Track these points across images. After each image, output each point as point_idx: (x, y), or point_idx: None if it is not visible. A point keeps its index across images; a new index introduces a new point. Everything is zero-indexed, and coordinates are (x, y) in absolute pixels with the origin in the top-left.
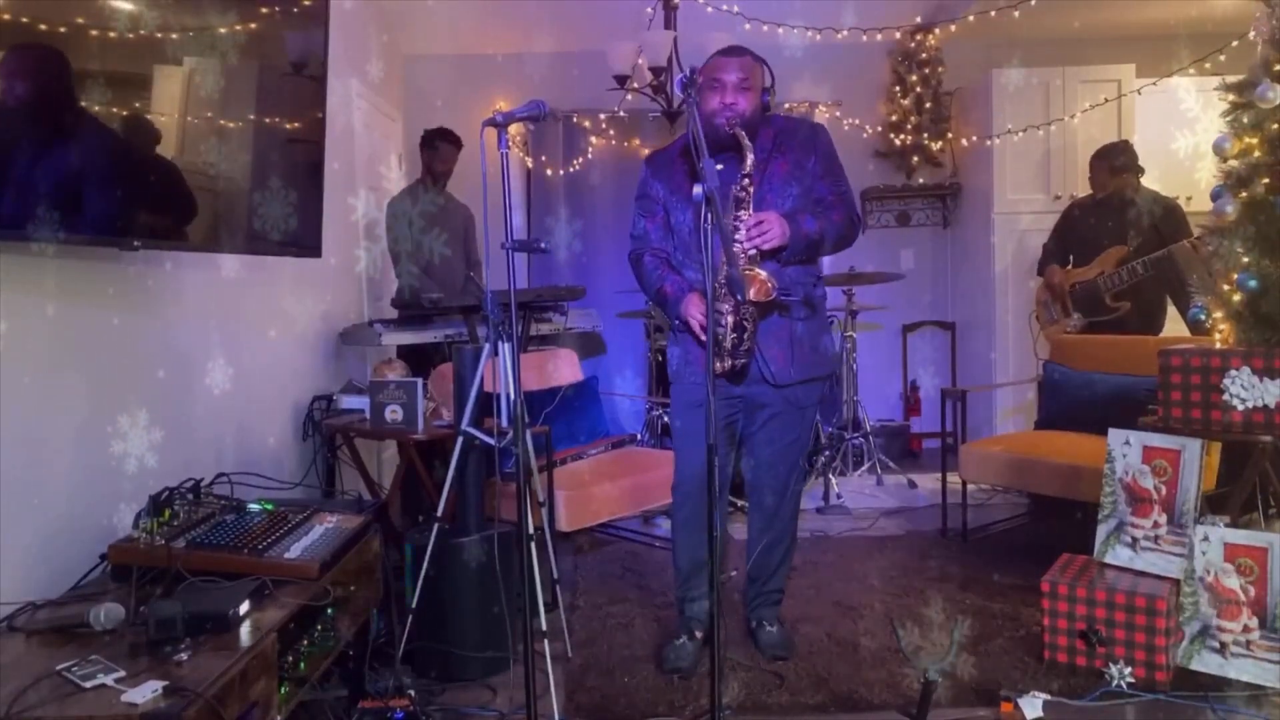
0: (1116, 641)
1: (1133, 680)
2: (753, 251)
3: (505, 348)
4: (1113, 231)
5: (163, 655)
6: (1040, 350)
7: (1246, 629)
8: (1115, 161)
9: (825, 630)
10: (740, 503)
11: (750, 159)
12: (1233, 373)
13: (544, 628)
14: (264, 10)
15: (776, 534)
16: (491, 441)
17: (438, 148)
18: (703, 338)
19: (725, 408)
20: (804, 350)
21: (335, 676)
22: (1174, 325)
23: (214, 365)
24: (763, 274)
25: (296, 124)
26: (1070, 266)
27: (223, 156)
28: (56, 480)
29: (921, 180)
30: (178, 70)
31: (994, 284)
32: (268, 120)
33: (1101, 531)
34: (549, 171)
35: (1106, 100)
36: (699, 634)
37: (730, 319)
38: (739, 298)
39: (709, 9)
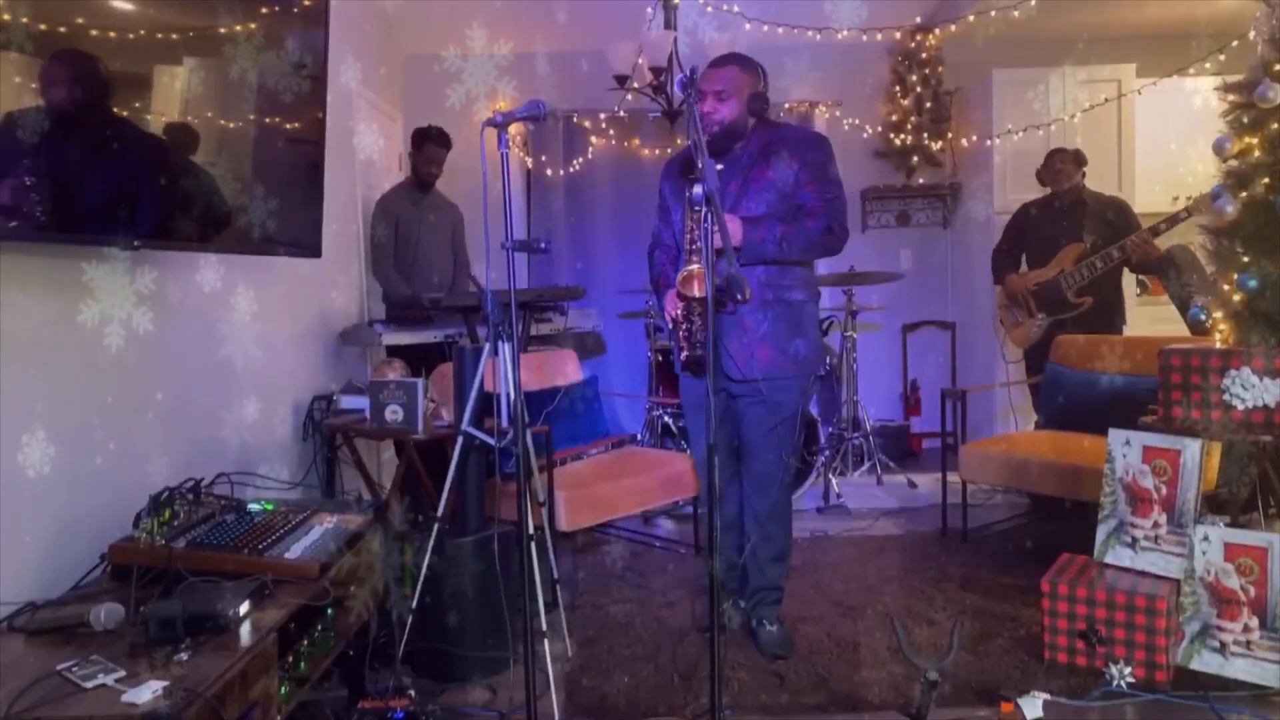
0: (1116, 641)
1: (1133, 680)
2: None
3: (505, 348)
4: (1068, 230)
5: (163, 655)
6: (1010, 354)
7: (1246, 629)
8: (1080, 159)
9: (825, 630)
10: None
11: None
12: (1233, 373)
13: (544, 628)
14: (264, 10)
15: (764, 531)
16: (491, 441)
17: (424, 148)
18: (669, 328)
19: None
20: (769, 349)
21: (335, 676)
22: (1138, 314)
23: (214, 365)
24: (695, 268)
25: (296, 124)
26: (1025, 269)
27: (222, 156)
28: (57, 480)
29: (921, 180)
30: (178, 70)
31: (994, 284)
32: (268, 120)
33: (1101, 531)
34: (549, 171)
35: (1106, 100)
36: (743, 603)
37: (680, 309)
38: (738, 297)
39: (709, 9)
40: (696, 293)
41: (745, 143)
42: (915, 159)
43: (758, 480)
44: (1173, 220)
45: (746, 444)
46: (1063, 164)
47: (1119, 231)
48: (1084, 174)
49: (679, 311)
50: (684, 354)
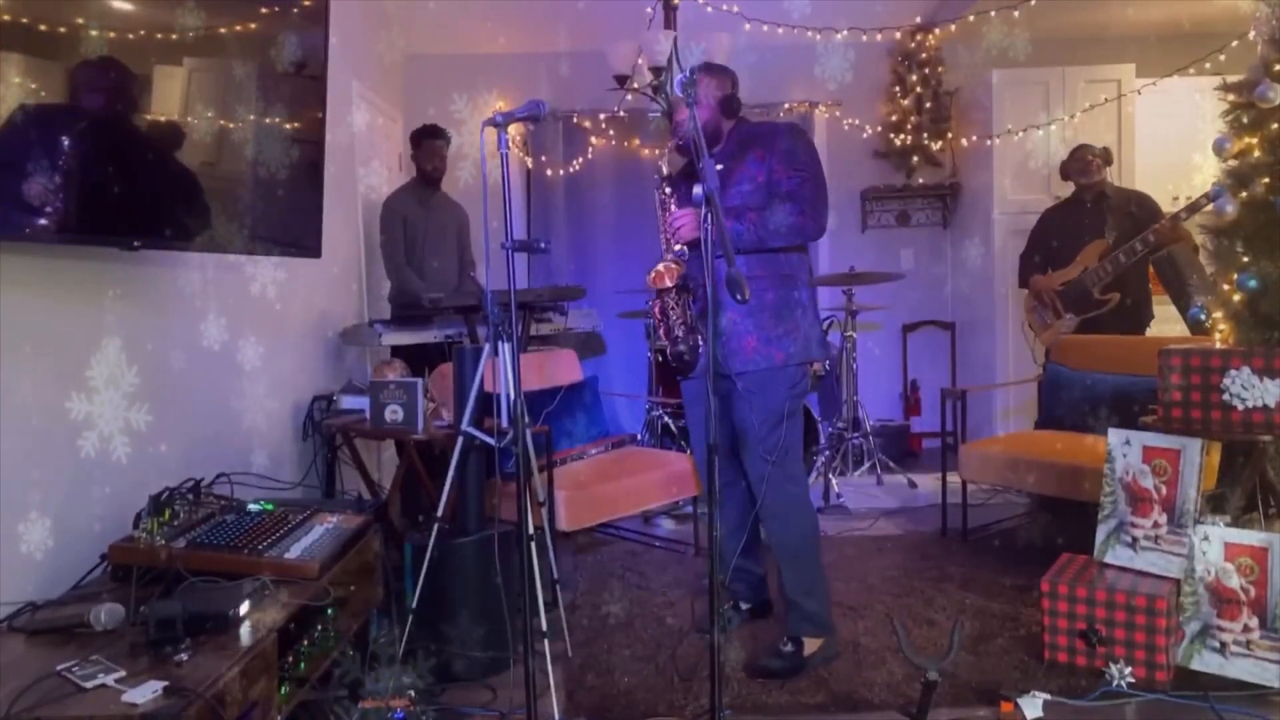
0: (1116, 641)
1: (1133, 680)
2: (679, 246)
3: (505, 348)
4: (1090, 228)
5: (163, 655)
6: (1039, 356)
7: (1246, 629)
8: (1106, 155)
9: None
10: None
11: (664, 167)
12: (1233, 373)
13: (544, 628)
14: (264, 10)
15: (767, 533)
16: (491, 441)
17: (424, 144)
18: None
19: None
20: (750, 342)
21: (335, 676)
22: (1162, 313)
23: (214, 365)
24: (661, 267)
25: (296, 124)
26: (1050, 271)
27: (222, 156)
28: (56, 480)
29: (921, 180)
30: (178, 70)
31: (994, 284)
32: (267, 120)
33: (1101, 531)
34: (549, 171)
35: (1106, 100)
36: (743, 605)
37: (657, 305)
38: (737, 298)
39: (709, 9)
40: (667, 283)
41: (723, 143)
42: (915, 159)
43: (752, 479)
44: (1193, 207)
45: (739, 440)
46: (1092, 156)
47: (1141, 225)
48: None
49: (657, 309)
50: (669, 349)
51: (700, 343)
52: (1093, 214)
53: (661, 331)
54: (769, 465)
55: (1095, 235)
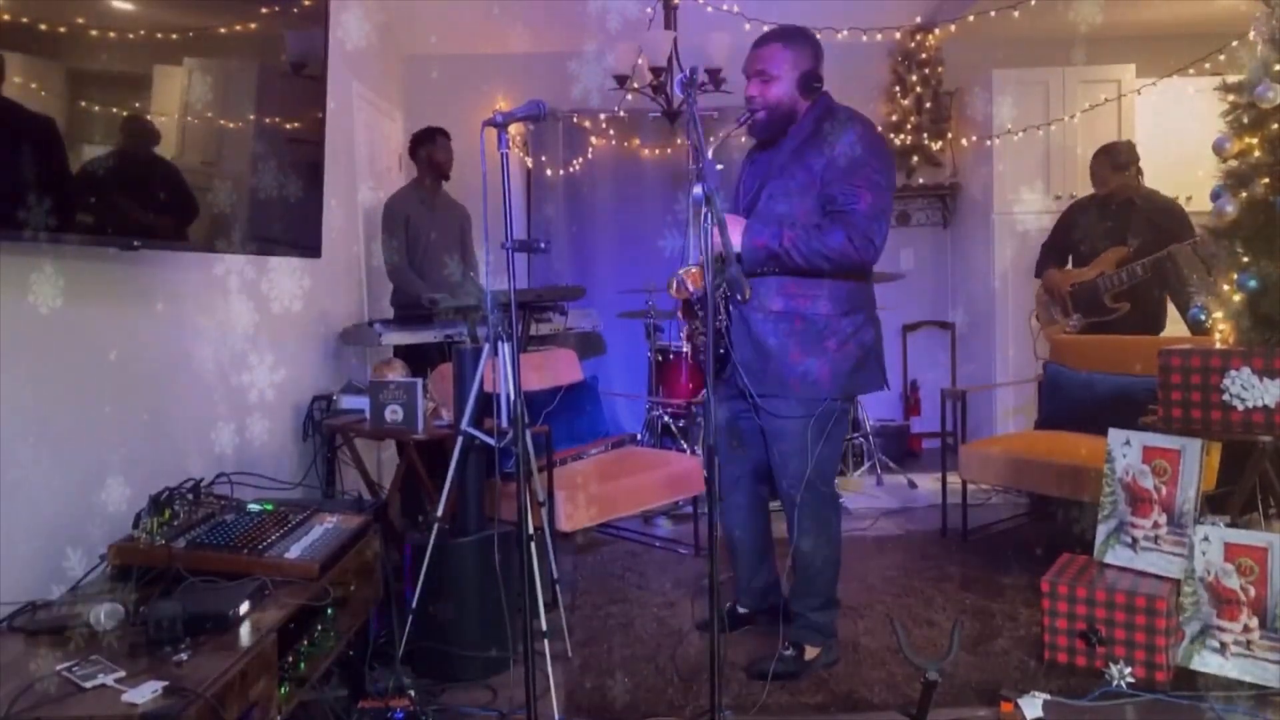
0: (1116, 641)
1: (1133, 680)
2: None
3: (505, 348)
4: (1113, 232)
5: (163, 655)
6: (1040, 350)
7: (1246, 629)
8: (1118, 159)
9: None
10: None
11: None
12: (1233, 373)
13: (544, 628)
14: (264, 10)
15: (793, 555)
16: (491, 441)
17: (439, 142)
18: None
19: (726, 409)
20: (774, 365)
21: (335, 676)
22: (1174, 326)
23: (214, 365)
24: (682, 273)
25: (296, 124)
26: (1069, 267)
27: (222, 156)
28: (56, 480)
29: (921, 180)
30: (177, 70)
31: (994, 284)
32: (267, 120)
33: (1101, 531)
34: (549, 171)
35: (1106, 100)
36: (741, 609)
37: (682, 315)
38: (737, 297)
39: (709, 9)
40: (690, 290)
41: (798, 124)
42: (915, 159)
43: (782, 501)
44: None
45: (770, 461)
46: (1098, 168)
47: (1166, 236)
48: (1139, 172)
49: (681, 312)
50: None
51: (724, 349)
52: (1117, 218)
53: (685, 334)
54: (796, 492)
55: (1118, 241)
